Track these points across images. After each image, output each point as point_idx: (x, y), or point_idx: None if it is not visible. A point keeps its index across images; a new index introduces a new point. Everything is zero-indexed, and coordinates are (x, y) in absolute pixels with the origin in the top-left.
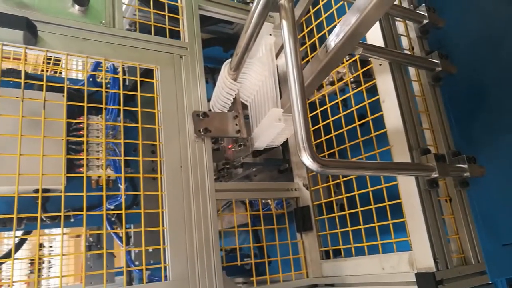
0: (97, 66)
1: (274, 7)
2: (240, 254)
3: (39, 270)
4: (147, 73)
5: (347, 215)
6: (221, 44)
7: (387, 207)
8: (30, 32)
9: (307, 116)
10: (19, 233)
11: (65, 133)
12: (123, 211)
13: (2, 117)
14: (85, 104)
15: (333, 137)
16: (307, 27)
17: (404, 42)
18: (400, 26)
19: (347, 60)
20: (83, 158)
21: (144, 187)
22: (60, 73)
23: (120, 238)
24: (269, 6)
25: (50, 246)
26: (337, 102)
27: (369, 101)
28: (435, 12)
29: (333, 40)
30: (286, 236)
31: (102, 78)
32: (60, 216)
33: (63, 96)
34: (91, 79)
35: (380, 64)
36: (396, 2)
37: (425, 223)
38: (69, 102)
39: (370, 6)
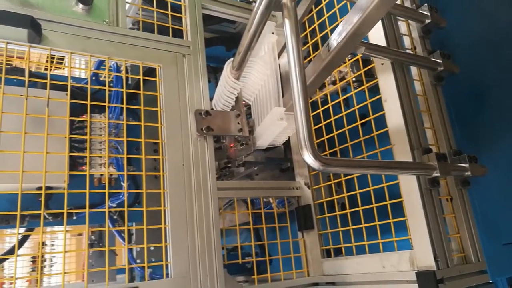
0: (100, 64)
1: (277, 6)
2: (242, 252)
3: (41, 268)
4: (150, 71)
5: (348, 214)
6: (223, 43)
7: (388, 206)
8: (35, 30)
9: (309, 115)
10: (21, 230)
11: (68, 131)
12: (125, 209)
13: (5, 114)
14: (88, 102)
15: (335, 136)
16: (309, 27)
17: (406, 41)
18: (402, 26)
19: (349, 60)
20: (86, 156)
21: (146, 185)
22: (64, 70)
23: (122, 236)
24: (272, 5)
25: (52, 244)
26: (339, 101)
27: (371, 100)
28: (437, 12)
29: (335, 39)
30: (287, 235)
31: (105, 77)
32: (63, 213)
33: (66, 94)
34: (94, 78)
35: (382, 64)
36: (399, 2)
37: (426, 222)
38: (73, 100)
39: (372, 5)
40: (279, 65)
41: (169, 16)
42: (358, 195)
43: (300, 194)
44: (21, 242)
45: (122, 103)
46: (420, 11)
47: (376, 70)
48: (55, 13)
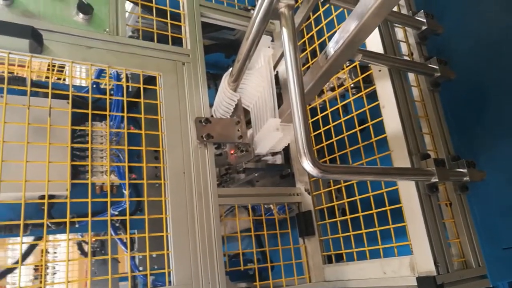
0: (100, 72)
1: (275, 15)
2: (243, 259)
3: (44, 276)
4: (150, 79)
5: (349, 220)
6: (223, 50)
7: (388, 211)
8: (36, 40)
9: (307, 122)
10: (24, 239)
11: (70, 140)
12: (127, 217)
13: (7, 123)
14: (89, 111)
15: (334, 142)
16: (307, 33)
17: (404, 48)
18: (399, 32)
19: (347, 66)
20: (87, 165)
21: (147, 192)
22: (64, 79)
23: (124, 244)
24: (270, 14)
25: (55, 252)
26: (338, 108)
27: (369, 106)
28: (434, 19)
29: (332, 47)
30: (288, 241)
31: (105, 84)
32: (65, 222)
33: (68, 102)
34: (94, 86)
35: (380, 70)
36: (395, 9)
37: (425, 227)
38: (74, 109)
39: (369, 13)
40: (277, 72)
41: (169, 24)
42: (358, 201)
43: (301, 200)
44: (26, 254)
45: (122, 111)
46: (417, 18)
47: (374, 76)
48: (56, 23)
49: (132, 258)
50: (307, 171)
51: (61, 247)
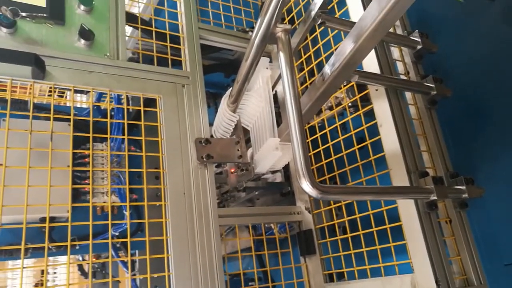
0: (101, 94)
1: (272, 39)
2: (244, 278)
3: None
4: (151, 100)
5: (349, 238)
6: (222, 70)
7: (388, 229)
8: (39, 67)
9: (305, 144)
10: (25, 261)
11: (71, 163)
12: (128, 239)
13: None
14: (90, 135)
15: (333, 161)
16: (305, 54)
17: (400, 66)
18: (395, 52)
19: (344, 86)
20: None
21: (148, 213)
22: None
23: (125, 264)
24: (267, 38)
25: (54, 272)
26: (336, 126)
27: (367, 125)
28: (428, 38)
29: (329, 69)
30: (289, 260)
31: (106, 108)
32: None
33: (69, 125)
34: (95, 107)
35: (377, 90)
36: (391, 29)
37: (425, 245)
38: (76, 133)
39: (364, 36)
40: (276, 92)
41: (168, 47)
42: (358, 219)
43: (301, 219)
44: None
45: (123, 133)
46: (412, 37)
47: (371, 96)
48: (58, 49)
49: (133, 279)
50: (306, 192)
51: (60, 267)
